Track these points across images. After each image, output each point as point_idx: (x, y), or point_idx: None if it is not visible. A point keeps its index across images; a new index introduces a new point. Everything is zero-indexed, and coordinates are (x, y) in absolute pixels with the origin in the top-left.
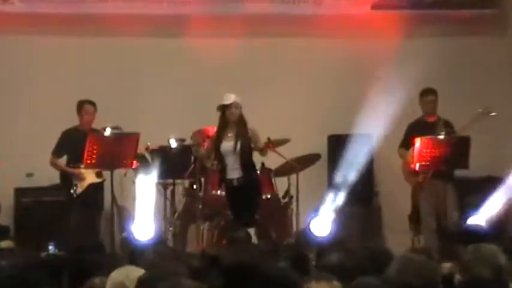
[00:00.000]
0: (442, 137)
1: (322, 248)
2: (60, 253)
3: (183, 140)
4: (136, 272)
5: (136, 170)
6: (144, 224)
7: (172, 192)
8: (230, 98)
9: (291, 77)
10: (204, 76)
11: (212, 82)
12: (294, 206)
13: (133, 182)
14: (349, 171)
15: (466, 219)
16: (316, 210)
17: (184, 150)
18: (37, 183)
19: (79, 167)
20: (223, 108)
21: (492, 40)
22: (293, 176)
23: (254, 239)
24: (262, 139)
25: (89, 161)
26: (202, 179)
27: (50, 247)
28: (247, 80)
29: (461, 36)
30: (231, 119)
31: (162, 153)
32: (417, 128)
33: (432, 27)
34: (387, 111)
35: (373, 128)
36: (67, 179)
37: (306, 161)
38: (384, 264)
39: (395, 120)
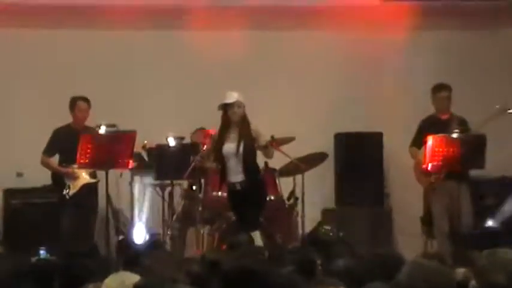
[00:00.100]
0: (456, 135)
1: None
2: (51, 258)
3: (181, 139)
4: (132, 278)
5: (132, 170)
6: (140, 227)
7: (171, 194)
8: (232, 97)
9: (296, 72)
10: (204, 71)
11: (212, 77)
12: (299, 208)
13: (130, 183)
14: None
15: (481, 222)
16: (322, 212)
17: (183, 149)
18: (27, 183)
19: (72, 167)
20: (225, 108)
21: (507, 33)
22: (298, 177)
23: (259, 243)
24: (266, 138)
25: (82, 161)
26: (202, 180)
27: (41, 252)
28: (250, 75)
29: (475, 28)
30: (233, 119)
31: (160, 152)
32: (429, 126)
33: (444, 19)
34: (397, 107)
35: (383, 125)
36: (59, 180)
37: (312, 160)
38: (394, 269)
39: (406, 117)
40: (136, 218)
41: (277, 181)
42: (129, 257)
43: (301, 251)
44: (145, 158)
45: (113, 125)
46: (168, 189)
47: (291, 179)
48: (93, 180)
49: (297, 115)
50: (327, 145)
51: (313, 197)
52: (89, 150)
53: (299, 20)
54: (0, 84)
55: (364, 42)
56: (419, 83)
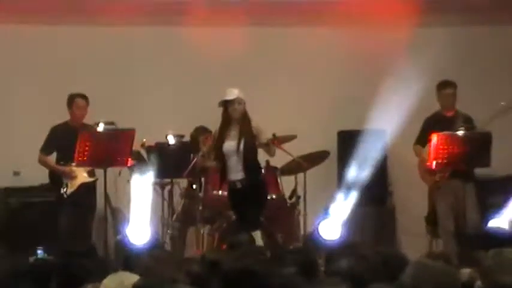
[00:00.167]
0: (461, 132)
1: (332, 253)
2: (49, 258)
3: (181, 136)
4: (131, 278)
5: (131, 169)
6: (139, 227)
7: (170, 193)
8: (233, 93)
9: (298, 69)
10: (204, 68)
11: (213, 74)
12: (301, 207)
13: (128, 182)
14: (362, 168)
15: (486, 221)
16: (325, 211)
17: (183, 147)
18: (25, 182)
19: (70, 165)
20: (226, 105)
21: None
22: (300, 175)
23: (259, 243)
24: (267, 136)
25: (80, 159)
26: (202, 179)
27: (39, 251)
28: (251, 72)
29: (480, 24)
30: (234, 116)
31: (159, 150)
32: (434, 123)
33: (449, 15)
34: (401, 105)
35: (387, 123)
36: (57, 178)
37: (314, 158)
38: (398, 270)
39: (411, 115)
40: (135, 218)
41: (278, 180)
42: (128, 257)
43: (303, 251)
44: (145, 156)
45: (112, 123)
46: (168, 188)
47: (292, 177)
48: (91, 179)
49: (299, 113)
50: (330, 143)
51: (315, 195)
52: (87, 148)
53: (301, 16)
54: None
55: (368, 38)
56: (423, 79)
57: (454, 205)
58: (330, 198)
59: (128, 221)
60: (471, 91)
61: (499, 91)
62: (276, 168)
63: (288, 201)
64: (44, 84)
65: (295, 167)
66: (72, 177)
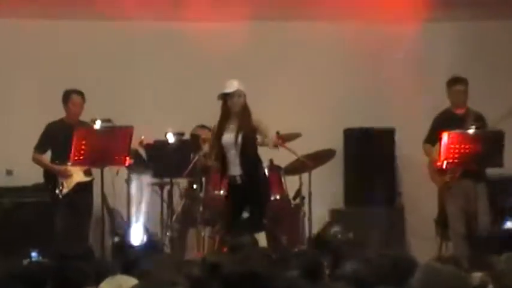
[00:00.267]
0: (472, 131)
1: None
2: (43, 261)
3: (181, 134)
4: (129, 282)
5: (129, 168)
6: (138, 228)
7: (170, 193)
8: (233, 86)
9: (302, 64)
10: (206, 63)
11: (214, 70)
12: (306, 208)
13: (126, 181)
14: None
15: (499, 223)
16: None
17: (183, 145)
18: (18, 182)
19: (65, 164)
20: (225, 97)
21: None
22: (305, 175)
23: (264, 244)
24: (269, 128)
25: (76, 158)
26: (203, 179)
27: (33, 254)
28: (253, 67)
29: (492, 19)
30: (233, 109)
31: (158, 149)
32: (444, 121)
33: (460, 9)
34: (410, 101)
35: (395, 121)
36: (51, 178)
37: (319, 157)
38: (407, 273)
39: (420, 112)
40: (133, 219)
41: (282, 179)
42: (126, 260)
43: (308, 254)
44: (143, 155)
45: (109, 120)
46: (167, 188)
47: (297, 177)
48: (87, 179)
49: (304, 110)
50: (336, 141)
51: (320, 196)
52: (83, 147)
53: (306, 9)
54: None
55: (375, 33)
56: (433, 75)
57: (465, 206)
58: (336, 198)
59: (126, 222)
60: (483, 88)
61: (511, 87)
62: (279, 167)
63: (292, 201)
64: (38, 80)
65: (299, 166)
66: (68, 176)
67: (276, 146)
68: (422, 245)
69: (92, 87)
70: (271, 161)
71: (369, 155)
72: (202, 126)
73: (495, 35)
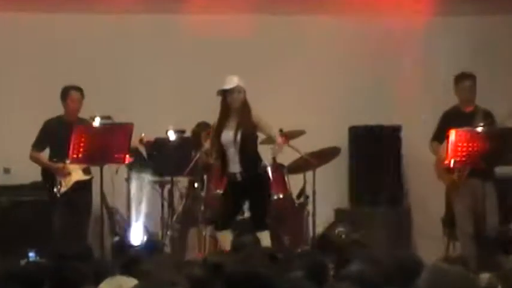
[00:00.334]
0: (480, 129)
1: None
2: (41, 261)
3: (182, 132)
4: (129, 283)
5: (129, 166)
6: (138, 228)
7: (171, 192)
8: (232, 82)
9: (307, 60)
10: (207, 58)
11: (216, 65)
12: (310, 207)
13: (126, 180)
14: None
15: (507, 223)
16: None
17: (184, 143)
18: (15, 180)
19: (64, 162)
20: (225, 94)
21: None
22: (309, 173)
23: (267, 244)
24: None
25: (75, 156)
26: (205, 177)
27: (30, 254)
28: (256, 62)
29: (498, 14)
30: (233, 106)
31: (159, 146)
32: (452, 119)
33: (467, 4)
34: (417, 98)
35: (401, 118)
36: (50, 176)
37: (324, 155)
38: (413, 274)
39: (427, 109)
40: (133, 218)
41: (286, 178)
42: (126, 260)
43: (312, 255)
44: (143, 152)
45: (108, 117)
46: (168, 186)
47: (301, 175)
48: (86, 177)
49: (308, 106)
50: (341, 139)
51: (325, 195)
52: (82, 144)
53: (310, 3)
54: None
55: (381, 28)
56: (441, 71)
57: (473, 206)
58: (341, 197)
59: (126, 222)
60: (491, 84)
61: None
62: (283, 165)
63: (296, 201)
64: (36, 76)
65: (303, 164)
66: (66, 174)
67: (281, 149)
68: (429, 244)
69: (91, 84)
70: (274, 159)
71: (374, 153)
72: (205, 123)
73: (502, 30)
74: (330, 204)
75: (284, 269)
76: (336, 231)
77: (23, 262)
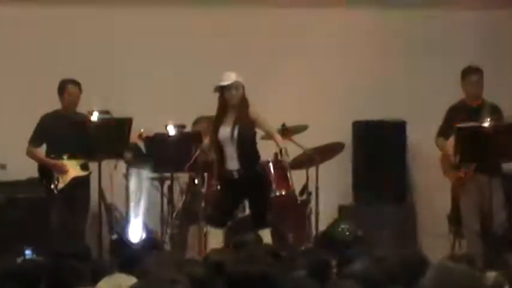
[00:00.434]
0: (487, 124)
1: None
2: (38, 259)
3: (182, 127)
4: (128, 281)
5: (128, 162)
6: (136, 225)
7: (170, 188)
8: (230, 78)
9: (309, 53)
10: (208, 51)
11: (217, 58)
12: (313, 204)
13: (125, 176)
14: None
15: None
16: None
17: (185, 138)
18: (11, 176)
19: (61, 158)
20: (222, 90)
21: None
22: (312, 169)
23: (269, 241)
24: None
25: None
26: (205, 173)
27: (27, 252)
28: (257, 55)
29: (508, 8)
30: (231, 102)
31: (159, 142)
32: (459, 114)
33: None
34: (422, 93)
35: (407, 113)
36: (46, 172)
37: (327, 151)
38: (418, 273)
39: (432, 104)
40: (132, 215)
41: (288, 174)
42: (125, 257)
43: (315, 253)
44: (142, 148)
45: (107, 112)
46: (168, 183)
47: (303, 172)
48: (84, 173)
49: (311, 101)
50: (344, 134)
51: (328, 191)
52: (79, 140)
53: None
54: None
55: (386, 20)
56: (447, 65)
57: (479, 202)
58: (344, 194)
59: (124, 219)
60: (499, 78)
61: None
62: (286, 161)
63: (299, 197)
64: (33, 70)
65: (306, 160)
66: (64, 171)
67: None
68: (435, 242)
69: (89, 78)
70: (276, 155)
71: (379, 148)
72: (205, 118)
73: (509, 24)
74: (334, 200)
75: (287, 267)
76: (340, 228)
77: (19, 260)
